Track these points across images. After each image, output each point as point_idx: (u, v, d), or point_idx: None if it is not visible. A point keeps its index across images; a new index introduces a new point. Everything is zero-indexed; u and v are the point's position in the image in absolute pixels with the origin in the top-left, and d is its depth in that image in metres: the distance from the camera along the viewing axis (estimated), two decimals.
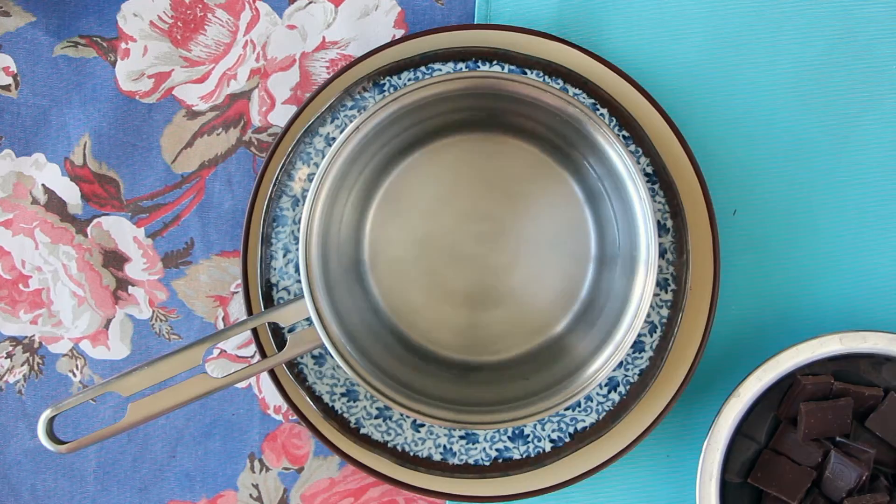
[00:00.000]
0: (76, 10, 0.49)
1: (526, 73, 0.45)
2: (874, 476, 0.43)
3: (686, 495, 0.47)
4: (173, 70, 0.49)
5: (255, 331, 0.45)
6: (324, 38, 0.49)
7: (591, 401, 0.44)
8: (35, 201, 0.49)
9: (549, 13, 0.48)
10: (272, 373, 0.45)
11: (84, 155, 0.49)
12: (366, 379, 0.41)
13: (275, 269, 0.45)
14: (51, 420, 0.40)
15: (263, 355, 0.45)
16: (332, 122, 0.45)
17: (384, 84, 0.45)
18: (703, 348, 0.45)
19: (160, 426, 0.49)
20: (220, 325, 0.49)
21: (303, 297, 0.42)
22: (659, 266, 0.44)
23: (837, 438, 0.43)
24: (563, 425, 0.44)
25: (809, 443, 0.43)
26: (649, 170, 0.44)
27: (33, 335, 0.49)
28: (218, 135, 0.49)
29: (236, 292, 0.49)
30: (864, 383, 0.43)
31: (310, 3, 0.49)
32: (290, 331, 0.44)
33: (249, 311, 0.45)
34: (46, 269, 0.49)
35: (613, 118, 0.45)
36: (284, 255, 0.45)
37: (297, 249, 0.45)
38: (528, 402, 0.41)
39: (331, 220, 0.43)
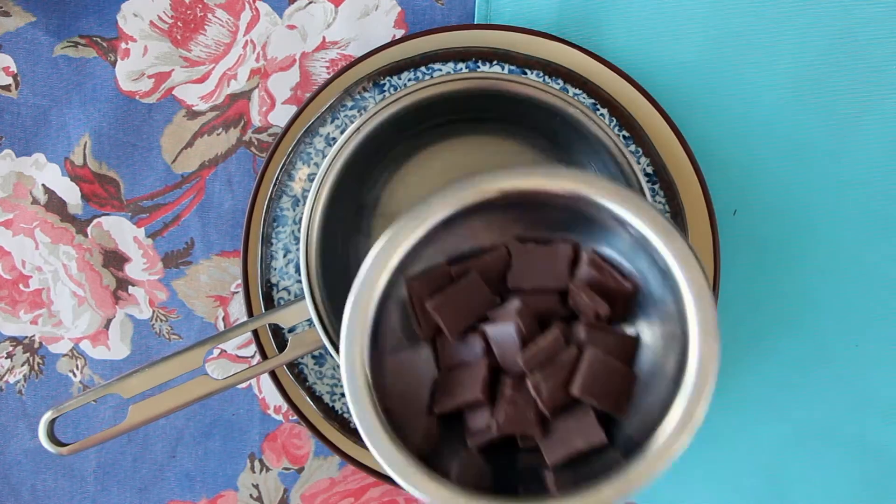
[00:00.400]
0: (76, 10, 0.49)
1: (526, 73, 0.45)
2: (543, 323, 0.41)
3: (686, 496, 0.47)
4: (173, 70, 0.49)
5: (255, 332, 0.45)
6: (324, 38, 0.49)
7: None
8: (35, 201, 0.49)
9: (549, 13, 0.48)
10: (272, 373, 0.45)
11: (84, 155, 0.49)
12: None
13: (275, 269, 0.45)
14: (51, 422, 0.40)
15: (264, 356, 0.45)
16: (332, 122, 0.45)
17: (384, 84, 0.45)
18: None
19: (160, 426, 0.49)
20: (221, 326, 0.49)
21: (303, 298, 0.42)
22: None
23: (486, 314, 0.41)
24: None
25: (465, 339, 0.41)
26: (649, 170, 0.44)
27: (33, 335, 0.49)
28: (218, 135, 0.49)
29: (236, 292, 0.49)
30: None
31: (310, 3, 0.49)
32: (291, 331, 0.44)
33: (250, 312, 0.45)
34: (46, 269, 0.49)
35: (614, 118, 0.45)
36: (285, 256, 0.45)
37: (297, 249, 0.45)
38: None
39: (332, 220, 0.43)
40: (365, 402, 0.37)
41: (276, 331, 0.44)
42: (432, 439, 0.40)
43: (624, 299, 0.41)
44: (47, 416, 0.40)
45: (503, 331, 0.40)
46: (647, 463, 0.37)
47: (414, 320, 0.41)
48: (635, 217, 0.38)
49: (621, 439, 0.40)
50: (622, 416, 0.40)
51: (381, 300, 0.38)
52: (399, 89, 0.43)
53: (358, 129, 0.42)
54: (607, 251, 0.41)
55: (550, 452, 0.40)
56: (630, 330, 0.42)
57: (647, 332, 0.41)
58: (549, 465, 0.40)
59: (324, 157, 0.44)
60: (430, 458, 0.38)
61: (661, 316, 0.40)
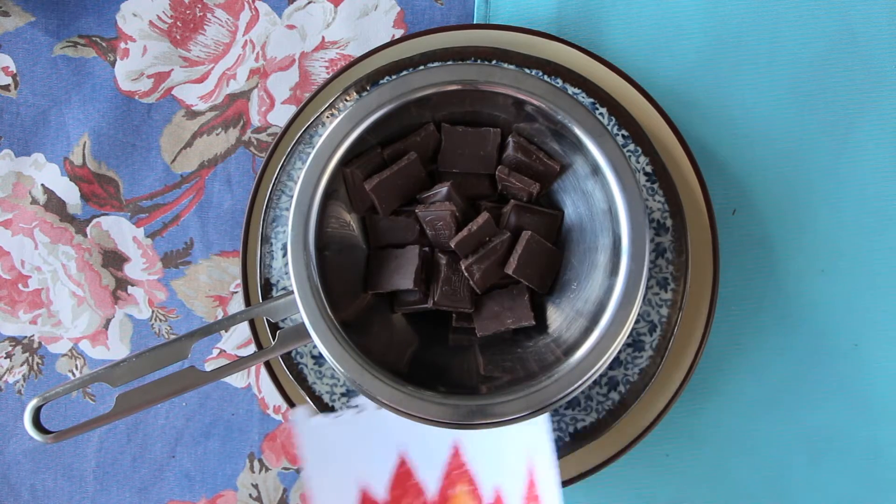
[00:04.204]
0: (75, 10, 0.49)
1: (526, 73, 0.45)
2: (473, 204, 0.44)
3: (686, 496, 0.47)
4: (173, 70, 0.49)
5: (254, 329, 0.45)
6: (323, 37, 0.49)
7: (591, 400, 0.44)
8: (34, 201, 0.49)
9: (548, 13, 0.48)
10: (272, 372, 0.45)
11: (83, 155, 0.49)
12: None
13: (274, 268, 0.45)
14: (37, 409, 0.40)
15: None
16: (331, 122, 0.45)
17: (384, 84, 0.45)
18: (703, 348, 0.45)
19: (160, 426, 0.48)
20: None
21: (293, 292, 0.42)
22: (658, 265, 0.44)
23: (418, 197, 0.43)
24: (562, 425, 0.44)
25: (398, 219, 0.43)
26: (648, 169, 0.44)
27: (33, 335, 0.49)
28: (217, 135, 0.49)
29: (236, 292, 0.49)
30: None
31: (309, 2, 0.49)
32: None
33: None
34: (46, 269, 0.49)
35: (613, 117, 0.45)
36: (284, 255, 0.45)
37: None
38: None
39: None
40: (304, 277, 0.40)
41: (275, 328, 0.44)
42: (364, 310, 0.43)
43: (549, 179, 0.43)
44: (33, 402, 0.39)
45: (436, 215, 0.42)
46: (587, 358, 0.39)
47: (347, 201, 0.43)
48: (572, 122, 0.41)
49: (555, 334, 0.42)
50: (543, 291, 0.43)
51: (324, 191, 0.41)
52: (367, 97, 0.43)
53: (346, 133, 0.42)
54: (532, 131, 0.43)
55: (482, 328, 0.43)
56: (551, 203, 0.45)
57: (570, 206, 0.44)
58: (478, 337, 0.43)
59: None
60: (361, 323, 0.42)
61: (585, 191, 0.42)
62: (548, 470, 0.41)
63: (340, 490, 0.42)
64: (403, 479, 0.42)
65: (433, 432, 0.41)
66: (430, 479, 0.42)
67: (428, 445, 0.42)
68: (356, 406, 0.43)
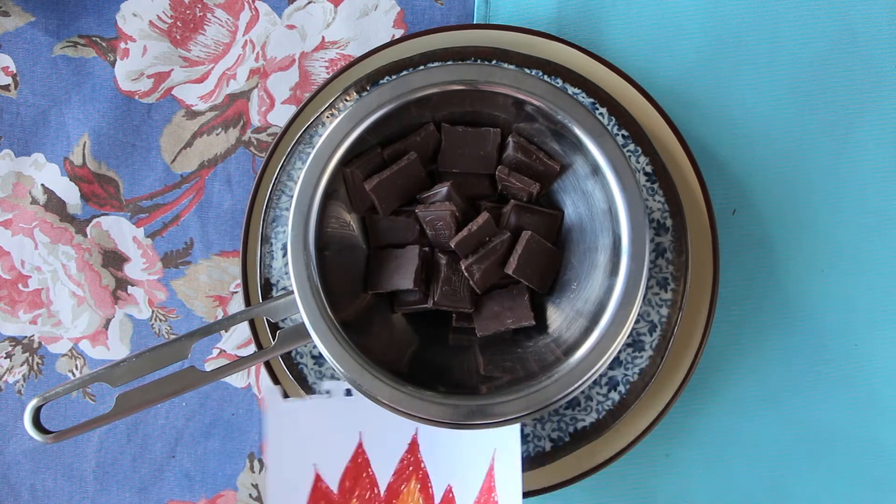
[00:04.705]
0: (75, 10, 0.50)
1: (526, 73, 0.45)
2: (473, 204, 0.44)
3: (686, 496, 0.47)
4: (172, 70, 0.49)
5: (254, 329, 0.45)
6: (323, 37, 0.49)
7: (591, 400, 0.44)
8: (34, 201, 0.49)
9: (548, 13, 0.48)
10: (271, 372, 0.45)
11: (83, 155, 0.49)
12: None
13: (274, 268, 0.45)
14: (37, 409, 0.40)
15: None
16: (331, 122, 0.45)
17: (384, 84, 0.45)
18: (703, 348, 0.45)
19: (160, 426, 0.48)
20: None
21: (293, 292, 0.42)
22: (658, 265, 0.44)
23: (418, 197, 0.43)
24: (563, 424, 0.44)
25: (398, 219, 0.43)
26: (648, 169, 0.44)
27: (33, 335, 0.49)
28: (217, 135, 0.49)
29: (236, 292, 0.49)
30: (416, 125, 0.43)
31: (309, 2, 0.49)
32: None
33: None
34: (46, 269, 0.49)
35: (612, 117, 0.45)
36: (284, 255, 0.45)
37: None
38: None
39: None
40: (304, 277, 0.40)
41: (275, 328, 0.44)
42: (364, 310, 0.43)
43: (549, 179, 0.43)
44: (33, 402, 0.39)
45: (436, 215, 0.42)
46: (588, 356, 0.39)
47: (347, 201, 0.43)
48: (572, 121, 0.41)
49: (555, 333, 0.42)
50: (543, 291, 0.43)
51: (324, 191, 0.41)
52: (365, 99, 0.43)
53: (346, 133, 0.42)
54: (532, 131, 0.43)
55: (482, 328, 0.43)
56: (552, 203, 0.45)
57: (570, 206, 0.44)
58: (478, 337, 0.43)
59: None
60: (361, 323, 0.42)
61: (585, 191, 0.43)
62: (510, 470, 0.40)
63: (296, 472, 0.42)
64: (359, 469, 0.42)
65: (394, 423, 0.41)
66: (383, 472, 0.42)
67: (386, 437, 0.42)
68: (327, 391, 0.43)
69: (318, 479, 0.42)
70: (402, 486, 0.42)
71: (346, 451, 0.42)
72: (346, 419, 0.42)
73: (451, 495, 0.41)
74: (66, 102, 0.49)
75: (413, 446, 0.42)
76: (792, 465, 0.47)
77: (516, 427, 0.41)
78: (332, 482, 0.42)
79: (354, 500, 0.42)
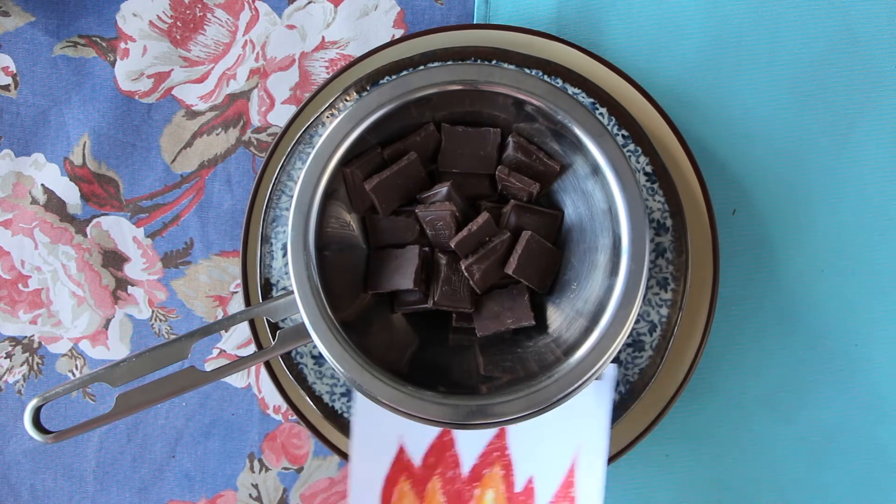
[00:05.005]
0: (75, 10, 0.50)
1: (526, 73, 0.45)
2: (473, 204, 0.44)
3: (686, 496, 0.47)
4: (173, 70, 0.49)
5: (254, 329, 0.45)
6: (323, 37, 0.49)
7: None
8: (34, 201, 0.49)
9: (548, 13, 0.48)
10: (271, 372, 0.45)
11: (83, 155, 0.49)
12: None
13: (274, 268, 0.45)
14: (37, 409, 0.40)
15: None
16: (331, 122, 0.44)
17: (384, 84, 0.45)
18: (703, 348, 0.45)
19: (160, 426, 0.48)
20: None
21: (293, 292, 0.42)
22: (658, 265, 0.44)
23: (418, 197, 0.43)
24: None
25: (398, 219, 0.43)
26: (648, 169, 0.44)
27: (33, 335, 0.49)
28: (217, 135, 0.49)
29: (236, 292, 0.49)
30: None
31: (309, 2, 0.49)
32: None
33: None
34: (46, 269, 0.49)
35: (612, 117, 0.45)
36: (284, 255, 0.45)
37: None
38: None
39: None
40: (304, 277, 0.40)
41: (275, 328, 0.44)
42: (364, 310, 0.43)
43: (549, 179, 0.43)
44: (33, 402, 0.39)
45: (436, 215, 0.42)
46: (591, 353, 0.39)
47: (347, 201, 0.43)
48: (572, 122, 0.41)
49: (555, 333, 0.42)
50: (543, 291, 0.43)
51: (324, 191, 0.41)
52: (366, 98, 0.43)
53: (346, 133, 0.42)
54: (532, 131, 0.43)
55: (482, 328, 0.43)
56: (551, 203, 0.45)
57: (570, 206, 0.44)
58: (478, 337, 0.43)
59: None
60: (361, 323, 0.42)
61: (585, 191, 0.43)
62: (594, 468, 0.40)
63: (381, 442, 0.42)
64: (444, 447, 0.42)
65: None
66: (468, 453, 0.42)
67: None
68: None
69: (401, 450, 0.42)
70: (486, 471, 0.42)
71: (432, 427, 0.42)
72: None
73: (531, 486, 0.41)
74: (66, 102, 0.49)
75: (501, 432, 0.42)
76: (792, 465, 0.47)
77: (605, 423, 0.40)
78: (416, 456, 0.42)
79: (436, 476, 0.42)
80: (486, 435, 0.42)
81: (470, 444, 0.42)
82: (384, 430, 0.42)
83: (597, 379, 0.40)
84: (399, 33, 0.49)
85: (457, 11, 0.49)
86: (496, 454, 0.42)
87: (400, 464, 0.42)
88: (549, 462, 0.41)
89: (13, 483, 0.49)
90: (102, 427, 0.48)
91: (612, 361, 0.43)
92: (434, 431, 0.42)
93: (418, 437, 0.42)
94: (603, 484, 0.40)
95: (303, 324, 0.40)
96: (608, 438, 0.41)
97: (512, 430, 0.42)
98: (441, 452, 0.42)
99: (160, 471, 0.48)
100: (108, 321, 0.49)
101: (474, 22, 0.49)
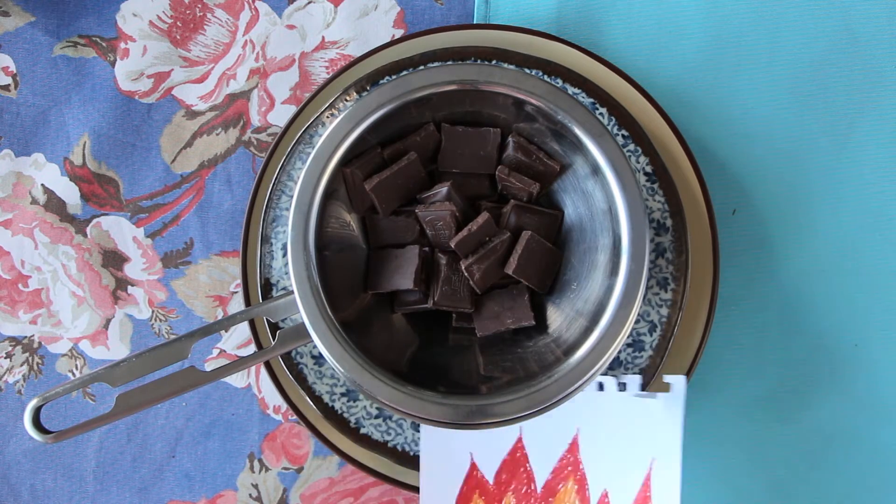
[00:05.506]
0: (75, 10, 0.50)
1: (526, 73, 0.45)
2: (473, 204, 0.44)
3: (686, 496, 0.47)
4: (172, 70, 0.49)
5: (254, 329, 0.45)
6: (323, 37, 0.49)
7: None
8: (34, 201, 0.49)
9: (548, 13, 0.48)
10: (271, 373, 0.45)
11: (83, 155, 0.49)
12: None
13: (274, 268, 0.45)
14: (37, 409, 0.40)
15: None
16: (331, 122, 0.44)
17: (384, 84, 0.45)
18: (703, 348, 0.45)
19: (160, 426, 0.48)
20: None
21: (293, 292, 0.42)
22: (658, 265, 0.44)
23: (418, 197, 0.43)
24: None
25: (398, 219, 0.43)
26: (648, 169, 0.44)
27: (33, 335, 0.49)
28: (217, 135, 0.49)
29: (236, 292, 0.49)
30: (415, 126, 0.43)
31: (309, 2, 0.49)
32: None
33: None
34: (46, 269, 0.49)
35: (612, 117, 0.45)
36: (284, 255, 0.45)
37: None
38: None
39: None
40: (304, 277, 0.40)
41: (275, 328, 0.44)
42: (364, 310, 0.43)
43: (549, 179, 0.43)
44: (33, 402, 0.39)
45: (436, 215, 0.42)
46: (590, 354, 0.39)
47: (347, 201, 0.43)
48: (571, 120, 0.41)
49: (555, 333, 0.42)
50: (543, 291, 0.43)
51: (324, 191, 0.41)
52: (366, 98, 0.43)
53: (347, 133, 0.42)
54: (532, 131, 0.43)
55: (482, 328, 0.43)
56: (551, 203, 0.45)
57: (570, 206, 0.44)
58: (478, 337, 0.43)
59: None
60: (361, 323, 0.42)
61: (585, 191, 0.43)
62: (670, 483, 0.40)
63: (452, 459, 0.42)
64: (516, 463, 0.42)
65: (556, 421, 0.41)
66: (541, 469, 0.42)
67: (547, 434, 0.42)
68: None
69: (473, 467, 0.42)
70: (560, 486, 0.42)
71: (504, 443, 0.42)
72: None
73: (606, 500, 0.41)
74: (66, 102, 0.49)
75: (573, 446, 0.42)
76: (792, 465, 0.47)
77: (678, 435, 0.40)
78: (489, 473, 0.42)
79: (510, 493, 0.42)
80: (559, 449, 0.42)
81: (542, 458, 0.42)
82: (455, 445, 0.42)
83: (662, 392, 0.40)
84: (399, 33, 0.49)
85: (457, 11, 0.49)
86: (569, 469, 0.42)
87: (473, 480, 0.42)
88: (623, 475, 0.41)
89: (13, 483, 0.49)
90: (102, 427, 0.48)
91: (612, 361, 0.43)
92: (506, 447, 0.42)
93: (490, 453, 0.42)
94: (680, 496, 0.40)
95: (303, 324, 0.40)
96: (682, 451, 0.40)
97: (584, 443, 0.42)
98: (514, 468, 0.42)
99: (160, 471, 0.48)
100: (108, 321, 0.49)
101: (474, 22, 0.49)
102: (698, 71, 0.48)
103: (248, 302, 0.45)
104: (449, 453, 0.42)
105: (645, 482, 0.40)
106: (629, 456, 0.41)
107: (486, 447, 0.42)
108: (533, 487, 0.42)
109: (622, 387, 0.42)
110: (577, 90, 0.45)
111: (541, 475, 0.42)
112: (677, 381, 0.41)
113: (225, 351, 0.49)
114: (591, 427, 0.41)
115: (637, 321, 0.44)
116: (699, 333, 0.45)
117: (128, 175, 0.49)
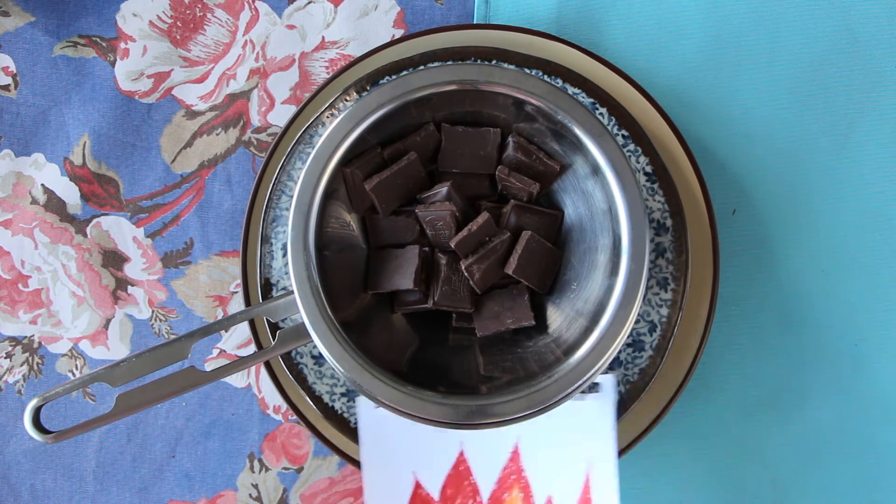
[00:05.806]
0: (75, 10, 0.50)
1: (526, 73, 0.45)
2: (472, 204, 0.44)
3: (686, 496, 0.47)
4: (172, 70, 0.49)
5: (254, 329, 0.45)
6: (323, 37, 0.49)
7: None
8: (34, 201, 0.49)
9: (548, 13, 0.48)
10: (271, 373, 0.45)
11: (83, 155, 0.49)
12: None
13: (274, 268, 0.45)
14: (37, 409, 0.40)
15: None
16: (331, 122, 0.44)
17: (384, 84, 0.45)
18: (703, 348, 0.45)
19: (160, 426, 0.48)
20: None
21: (293, 292, 0.42)
22: (658, 265, 0.44)
23: (418, 197, 0.43)
24: None
25: (398, 219, 0.43)
26: (648, 169, 0.44)
27: (33, 335, 0.49)
28: (217, 135, 0.49)
29: (236, 292, 0.49)
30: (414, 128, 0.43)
31: (309, 2, 0.49)
32: None
33: None
34: (46, 269, 0.49)
35: (612, 117, 0.45)
36: (284, 255, 0.45)
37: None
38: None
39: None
40: (304, 277, 0.40)
41: (275, 328, 0.44)
42: (364, 310, 0.43)
43: (549, 179, 0.43)
44: (33, 402, 0.39)
45: (436, 215, 0.42)
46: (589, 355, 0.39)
47: (347, 201, 0.43)
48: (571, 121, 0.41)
49: (555, 333, 0.42)
50: (543, 291, 0.43)
51: (324, 191, 0.41)
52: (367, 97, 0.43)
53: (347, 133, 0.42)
54: (532, 131, 0.43)
55: (482, 328, 0.43)
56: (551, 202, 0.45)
57: (570, 206, 0.44)
58: (478, 337, 0.43)
59: None
60: (361, 323, 0.42)
61: (585, 191, 0.43)
62: (607, 484, 0.40)
63: (395, 478, 0.42)
64: (460, 477, 0.42)
65: (496, 432, 0.41)
66: (485, 480, 0.42)
67: (488, 446, 0.42)
68: None
69: (418, 486, 0.42)
70: (505, 495, 0.42)
71: (446, 458, 0.42)
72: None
73: None
74: (66, 102, 0.49)
75: (515, 455, 0.42)
76: (792, 465, 0.47)
77: (611, 436, 0.40)
78: (434, 489, 0.42)
79: None
80: (501, 459, 0.42)
81: (486, 470, 0.42)
82: (397, 465, 0.42)
83: (593, 391, 0.40)
84: (399, 33, 0.49)
85: (457, 11, 0.49)
86: (513, 478, 0.42)
87: (418, 499, 0.42)
88: (565, 480, 0.41)
89: (13, 483, 0.49)
90: (102, 427, 0.48)
91: (612, 361, 0.43)
92: (448, 462, 0.42)
93: (433, 470, 0.42)
94: (618, 495, 0.40)
95: (303, 324, 0.40)
96: (616, 450, 0.41)
97: (525, 451, 0.42)
98: (458, 482, 0.42)
99: (160, 471, 0.48)
100: (108, 321, 0.49)
101: (474, 22, 0.49)
102: (698, 71, 0.48)
103: (248, 302, 0.45)
104: (392, 473, 0.42)
105: (585, 485, 0.41)
106: (568, 460, 0.41)
107: (429, 464, 0.42)
108: (479, 499, 0.42)
109: (594, 387, 0.42)
110: (577, 90, 0.45)
111: (486, 486, 0.42)
112: (606, 381, 0.41)
113: (225, 351, 0.49)
114: (531, 434, 0.41)
115: (637, 321, 0.44)
116: (699, 333, 0.45)
117: (128, 175, 0.49)
